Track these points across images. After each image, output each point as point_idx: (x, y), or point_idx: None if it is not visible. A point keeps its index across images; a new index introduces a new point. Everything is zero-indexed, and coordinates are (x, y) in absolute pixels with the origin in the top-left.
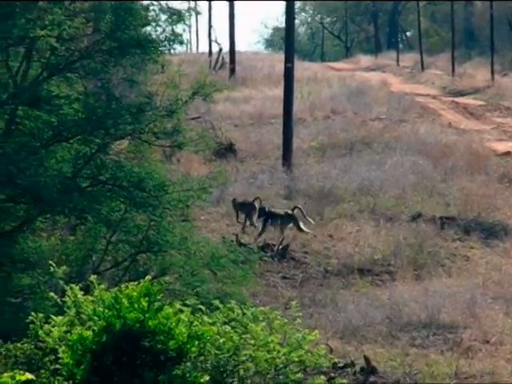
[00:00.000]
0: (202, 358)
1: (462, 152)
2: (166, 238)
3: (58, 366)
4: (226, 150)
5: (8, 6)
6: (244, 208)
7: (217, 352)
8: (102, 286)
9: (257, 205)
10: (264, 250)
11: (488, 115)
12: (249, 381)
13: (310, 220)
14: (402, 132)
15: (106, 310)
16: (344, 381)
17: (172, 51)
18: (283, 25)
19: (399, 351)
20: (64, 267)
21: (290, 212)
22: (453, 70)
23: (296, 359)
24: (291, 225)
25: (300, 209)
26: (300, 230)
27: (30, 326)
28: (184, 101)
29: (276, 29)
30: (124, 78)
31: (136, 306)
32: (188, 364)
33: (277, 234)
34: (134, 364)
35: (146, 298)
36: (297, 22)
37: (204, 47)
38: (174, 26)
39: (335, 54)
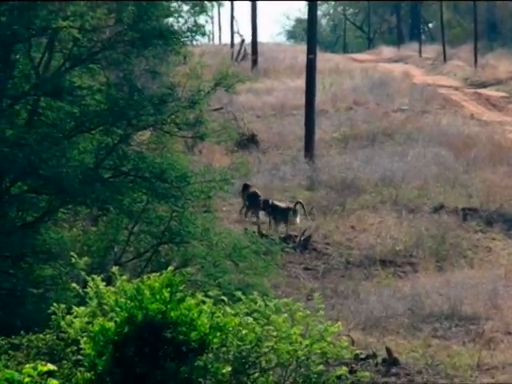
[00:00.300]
0: (224, 349)
1: (484, 143)
2: (188, 228)
3: (79, 357)
4: (248, 141)
5: None
6: (252, 200)
7: (239, 343)
8: (124, 277)
9: (262, 199)
10: (286, 241)
11: (510, 107)
12: (270, 372)
13: (309, 218)
14: (424, 123)
15: (128, 301)
16: (366, 372)
17: (194, 42)
18: (305, 16)
19: (421, 342)
20: (86, 258)
21: (291, 206)
22: (475, 61)
23: (318, 351)
24: (290, 217)
25: (302, 204)
26: (295, 222)
27: (52, 316)
28: (206, 92)
29: (298, 20)
30: (146, 69)
31: (158, 296)
32: (210, 355)
33: (299, 225)
34: (155, 355)
35: (168, 289)
36: (319, 13)
37: (226, 38)
38: (197, 17)
39: (357, 46)
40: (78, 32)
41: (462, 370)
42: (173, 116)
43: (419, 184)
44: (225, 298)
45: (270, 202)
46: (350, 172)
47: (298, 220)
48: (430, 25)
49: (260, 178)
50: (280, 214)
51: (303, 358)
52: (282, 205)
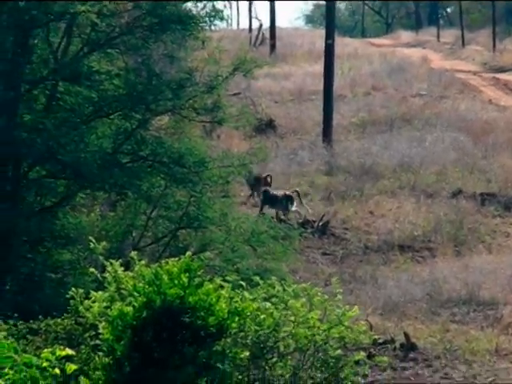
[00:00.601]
0: (242, 334)
1: (503, 129)
2: (206, 213)
3: (98, 342)
4: (266, 126)
5: None
6: (256, 182)
7: (257, 328)
8: (143, 262)
9: (269, 179)
10: (304, 226)
11: None
12: (289, 357)
13: (306, 206)
14: (442, 108)
15: (147, 286)
16: (384, 357)
17: (212, 27)
18: (324, 1)
19: (439, 327)
20: (104, 243)
21: (288, 194)
22: (493, 45)
23: (336, 335)
24: (288, 205)
25: (298, 193)
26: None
27: (71, 301)
28: (224, 77)
29: (316, 5)
30: (164, 54)
31: (176, 281)
32: (228, 340)
33: (317, 210)
34: (174, 340)
35: (187, 274)
36: None
37: (244, 23)
38: (215, 2)
39: (376, 30)
40: (97, 17)
41: (480, 355)
42: (191, 101)
43: (437, 169)
44: (243, 283)
45: (271, 192)
46: (369, 157)
47: (293, 208)
48: (449, 9)
49: (278, 163)
50: (277, 203)
51: (321, 342)
52: (280, 193)
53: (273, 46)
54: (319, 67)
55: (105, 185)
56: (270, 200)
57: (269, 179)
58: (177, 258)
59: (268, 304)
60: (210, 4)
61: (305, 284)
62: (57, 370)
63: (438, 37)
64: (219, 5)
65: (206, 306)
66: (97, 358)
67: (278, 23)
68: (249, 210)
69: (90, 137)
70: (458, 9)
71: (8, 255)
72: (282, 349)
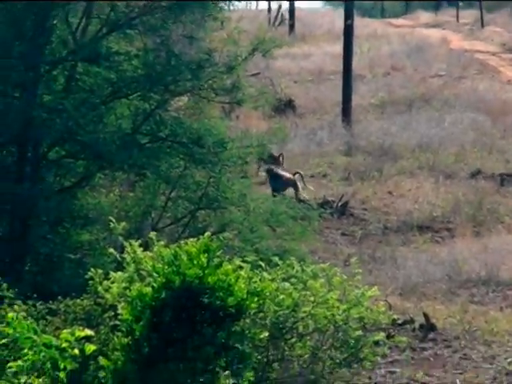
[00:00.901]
0: (262, 314)
1: None
2: (226, 194)
3: (117, 322)
4: (286, 106)
5: None
6: (273, 161)
7: (276, 308)
8: (162, 243)
9: (281, 158)
10: (323, 206)
11: None
12: (308, 337)
13: (311, 187)
14: (461, 89)
15: (166, 267)
16: (403, 338)
17: (231, 8)
18: None
19: (458, 308)
20: (123, 223)
21: (291, 176)
22: None
23: (355, 316)
24: (289, 188)
25: (301, 174)
26: (297, 193)
27: (90, 282)
28: (243, 57)
29: None
30: (183, 35)
31: (195, 262)
32: (247, 320)
33: (336, 190)
34: (193, 320)
35: (206, 255)
36: None
37: (263, 4)
38: None
39: (395, 11)
40: None
41: (500, 336)
42: (210, 81)
43: (456, 150)
44: (262, 264)
45: (274, 170)
46: (388, 137)
47: (300, 189)
48: None
49: (297, 142)
50: (279, 184)
51: (341, 323)
52: (284, 176)
53: (292, 26)
54: (338, 47)
55: (124, 165)
56: (274, 179)
57: (281, 158)
58: (196, 239)
59: (287, 284)
60: None
61: (324, 264)
62: (76, 351)
63: (457, 17)
64: None
65: (225, 287)
66: (116, 339)
67: (297, 4)
68: (267, 190)
69: (108, 117)
70: None
71: (27, 236)
72: (301, 329)
